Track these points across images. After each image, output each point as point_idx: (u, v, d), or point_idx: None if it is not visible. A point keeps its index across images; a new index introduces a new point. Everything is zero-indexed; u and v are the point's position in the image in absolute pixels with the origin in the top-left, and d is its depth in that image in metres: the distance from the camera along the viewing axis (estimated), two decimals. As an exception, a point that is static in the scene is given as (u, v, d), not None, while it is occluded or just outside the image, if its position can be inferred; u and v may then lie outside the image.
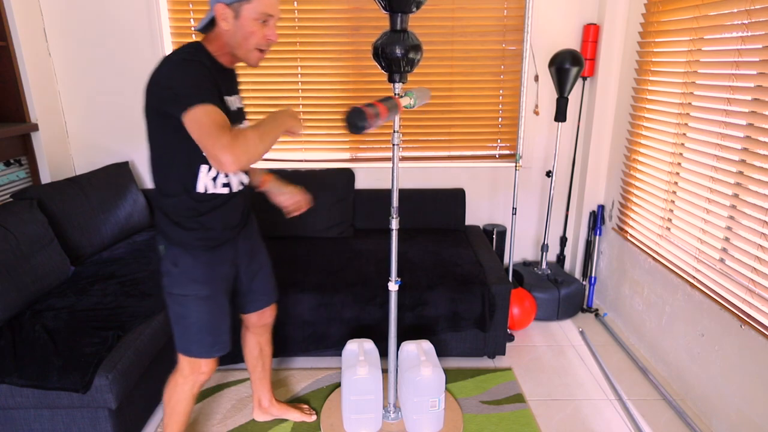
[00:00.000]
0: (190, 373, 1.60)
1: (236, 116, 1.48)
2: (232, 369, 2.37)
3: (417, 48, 1.57)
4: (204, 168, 1.43)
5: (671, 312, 2.30)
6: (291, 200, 1.72)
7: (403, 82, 1.65)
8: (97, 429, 1.79)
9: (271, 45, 1.41)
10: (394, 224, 1.79)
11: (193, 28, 1.42)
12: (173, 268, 1.50)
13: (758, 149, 1.80)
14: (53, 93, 2.81)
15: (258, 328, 1.86)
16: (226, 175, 1.48)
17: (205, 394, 2.20)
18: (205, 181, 1.44)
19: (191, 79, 1.26)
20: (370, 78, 2.90)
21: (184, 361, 1.59)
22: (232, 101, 1.46)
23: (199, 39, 1.43)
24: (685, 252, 2.22)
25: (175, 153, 1.38)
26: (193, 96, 1.23)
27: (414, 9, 1.52)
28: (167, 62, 1.31)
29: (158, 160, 1.42)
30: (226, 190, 1.50)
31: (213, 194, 1.47)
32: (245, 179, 1.59)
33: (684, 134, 2.22)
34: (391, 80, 1.65)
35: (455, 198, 2.96)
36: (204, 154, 1.29)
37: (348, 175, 2.90)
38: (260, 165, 2.98)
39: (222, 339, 1.59)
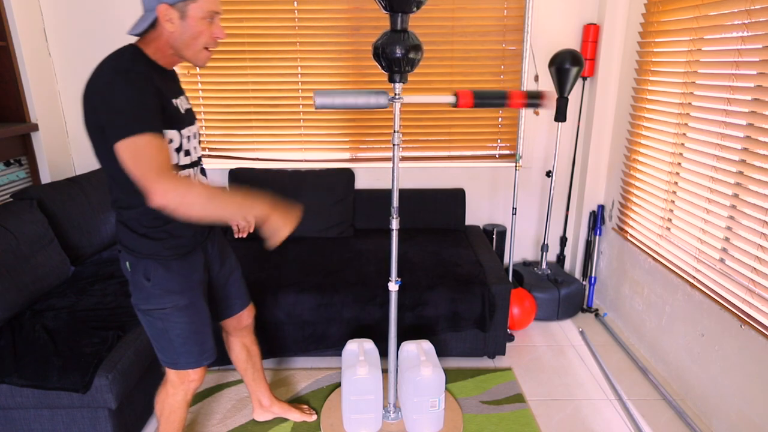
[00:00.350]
0: (180, 383, 1.56)
1: (187, 117, 1.42)
2: (232, 369, 2.37)
3: (417, 48, 1.58)
4: None
5: (671, 312, 2.30)
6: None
7: (403, 82, 1.65)
8: (97, 429, 1.79)
9: (216, 43, 1.36)
10: (395, 224, 1.79)
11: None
12: (146, 282, 1.42)
13: (758, 149, 1.80)
14: (53, 93, 2.81)
15: (239, 331, 1.83)
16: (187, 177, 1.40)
17: (205, 394, 2.20)
18: None
19: (133, 95, 1.19)
20: (371, 78, 2.90)
21: (172, 374, 1.55)
22: (179, 103, 1.40)
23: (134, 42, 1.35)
24: (685, 252, 2.22)
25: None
26: (133, 122, 1.17)
27: (414, 9, 1.53)
28: (104, 73, 1.22)
29: (112, 173, 1.32)
30: None
31: None
32: (204, 180, 1.55)
33: (684, 134, 2.22)
34: (392, 80, 1.65)
35: (455, 198, 2.96)
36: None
37: (348, 175, 2.90)
38: (260, 165, 2.99)
39: (208, 346, 1.56)
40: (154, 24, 1.30)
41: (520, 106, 1.74)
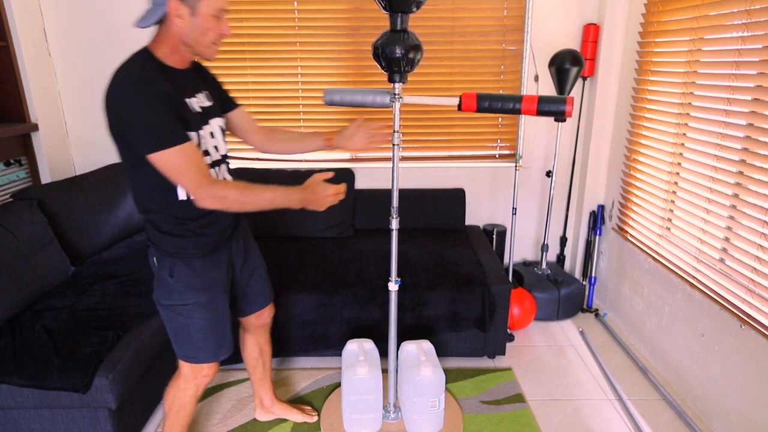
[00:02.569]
0: (193, 377, 1.58)
1: (200, 117, 1.42)
2: (232, 369, 2.37)
3: (417, 48, 1.58)
4: None
5: (671, 312, 2.30)
6: (356, 142, 1.70)
7: (403, 82, 1.65)
8: (97, 429, 1.79)
9: (222, 39, 1.39)
10: (394, 224, 1.79)
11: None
12: (169, 279, 1.46)
13: (758, 149, 1.80)
14: (53, 93, 2.81)
15: (257, 329, 1.86)
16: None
17: (205, 394, 2.20)
18: None
19: (153, 115, 1.24)
20: (370, 78, 2.90)
21: (186, 367, 1.57)
22: (194, 102, 1.40)
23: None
24: (685, 252, 2.22)
25: (148, 169, 1.31)
26: (160, 138, 1.24)
27: (414, 9, 1.53)
28: (121, 85, 1.26)
29: (134, 177, 1.38)
30: None
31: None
32: (228, 167, 1.57)
33: (684, 134, 2.22)
34: (391, 80, 1.65)
35: (455, 198, 2.96)
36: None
37: (348, 175, 2.90)
38: (260, 165, 2.99)
39: (226, 342, 1.59)
40: (163, 19, 1.30)
41: (534, 113, 1.68)
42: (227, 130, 1.61)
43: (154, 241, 1.46)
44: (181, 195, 1.40)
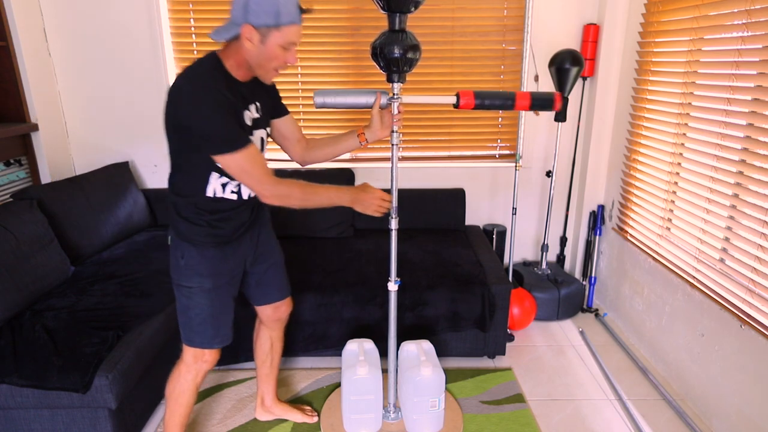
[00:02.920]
0: (194, 362, 1.62)
1: (253, 127, 1.50)
2: (233, 369, 2.37)
3: (415, 48, 1.58)
4: (215, 175, 1.47)
5: (671, 312, 2.30)
6: (386, 124, 1.72)
7: (401, 82, 1.65)
8: (97, 429, 1.79)
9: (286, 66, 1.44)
10: (394, 224, 1.79)
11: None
12: (180, 260, 1.54)
13: (758, 149, 1.79)
14: (53, 93, 2.81)
15: (272, 322, 1.89)
16: (237, 184, 1.52)
17: (205, 394, 2.20)
18: (215, 186, 1.49)
19: (220, 123, 1.32)
20: (370, 78, 2.90)
21: (188, 351, 1.62)
22: (247, 115, 1.47)
23: (217, 48, 1.44)
24: (685, 252, 2.22)
25: (190, 159, 1.44)
26: (225, 143, 1.33)
27: (412, 9, 1.53)
28: (189, 89, 1.33)
29: (173, 161, 1.48)
30: (234, 197, 1.54)
31: (221, 198, 1.51)
32: None
33: (684, 134, 2.22)
34: (390, 80, 1.65)
35: (455, 198, 2.96)
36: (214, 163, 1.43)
37: (348, 175, 2.90)
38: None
39: (222, 332, 1.62)
40: (237, 36, 1.37)
41: (527, 109, 1.72)
42: (270, 137, 1.67)
43: (173, 223, 1.54)
44: (209, 191, 1.48)
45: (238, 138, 1.35)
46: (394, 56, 1.56)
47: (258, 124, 1.53)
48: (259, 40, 1.34)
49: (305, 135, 1.78)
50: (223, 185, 1.50)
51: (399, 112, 1.68)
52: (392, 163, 1.74)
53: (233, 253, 1.60)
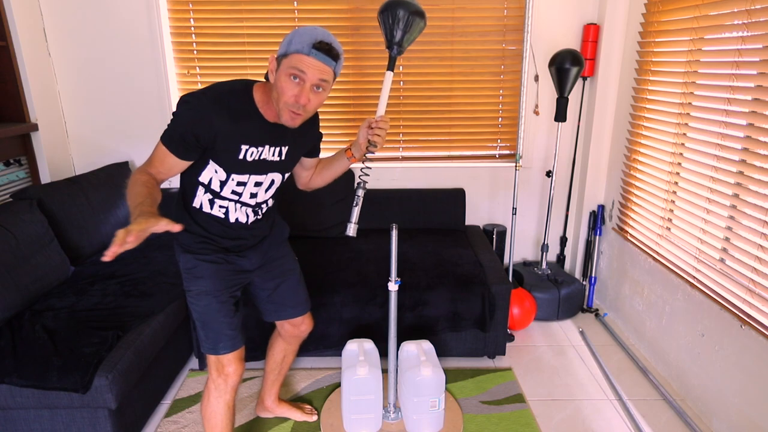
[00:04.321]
0: (217, 375, 1.57)
1: (253, 166, 1.45)
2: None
3: (420, 14, 1.53)
4: (201, 189, 1.47)
5: (671, 312, 2.30)
6: (372, 133, 1.55)
7: (400, 54, 1.60)
8: (97, 429, 1.79)
9: (301, 109, 1.32)
10: (394, 234, 1.79)
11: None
12: (179, 264, 1.56)
13: (758, 149, 1.79)
14: (53, 93, 2.81)
15: (291, 337, 1.87)
16: (222, 206, 1.50)
17: (205, 394, 2.20)
18: (201, 200, 1.49)
19: (176, 117, 1.33)
20: (370, 78, 2.90)
21: (210, 363, 1.58)
22: (255, 152, 1.43)
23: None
24: (685, 252, 2.22)
25: (191, 167, 1.44)
26: (166, 131, 1.34)
27: None
28: (200, 91, 1.35)
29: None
30: (221, 215, 1.51)
31: (209, 213, 1.51)
32: (261, 212, 1.60)
33: (684, 134, 2.22)
34: (389, 47, 1.60)
35: (455, 198, 2.96)
36: (198, 178, 1.44)
37: (348, 175, 2.90)
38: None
39: (224, 339, 1.55)
40: None
41: None
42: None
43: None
44: (195, 203, 1.49)
45: (170, 136, 1.34)
46: (399, 17, 1.51)
47: (272, 167, 1.49)
48: (275, 69, 1.32)
49: None
50: (210, 201, 1.48)
51: (375, 125, 1.54)
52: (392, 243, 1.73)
53: (232, 261, 1.57)
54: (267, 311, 1.79)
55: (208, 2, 2.76)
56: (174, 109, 1.36)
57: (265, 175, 1.50)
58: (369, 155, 1.59)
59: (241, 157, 1.41)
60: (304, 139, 1.56)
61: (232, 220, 1.53)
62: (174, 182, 3.03)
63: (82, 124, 2.91)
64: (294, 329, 1.83)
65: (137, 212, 1.20)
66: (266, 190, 1.55)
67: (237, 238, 1.57)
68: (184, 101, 1.33)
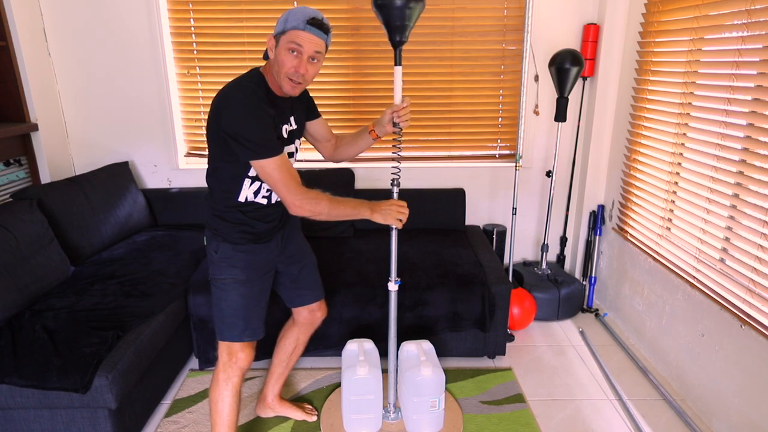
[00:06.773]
0: (228, 360, 1.64)
1: (289, 139, 1.60)
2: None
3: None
4: (247, 182, 1.56)
5: (671, 312, 2.30)
6: (397, 116, 1.71)
7: (403, 42, 1.62)
8: (97, 429, 1.79)
9: (301, 78, 1.46)
10: (394, 235, 1.79)
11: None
12: (214, 254, 1.61)
13: (758, 149, 1.79)
14: (53, 93, 2.81)
15: (306, 325, 1.94)
16: (268, 190, 1.60)
17: (206, 394, 2.20)
18: (247, 193, 1.58)
19: (258, 130, 1.41)
20: (370, 78, 2.90)
21: (222, 349, 1.65)
22: (284, 128, 1.58)
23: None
24: (685, 252, 2.22)
25: (226, 166, 1.54)
26: (262, 149, 1.42)
27: None
28: (235, 98, 1.42)
29: (212, 166, 1.58)
30: (264, 201, 1.62)
31: (252, 202, 1.59)
32: None
33: (684, 134, 2.22)
34: (391, 39, 1.62)
35: (455, 198, 2.96)
36: (248, 173, 1.54)
37: (348, 175, 2.90)
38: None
39: (253, 325, 1.65)
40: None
41: None
42: (304, 137, 1.78)
43: (208, 220, 1.63)
44: (241, 197, 1.57)
45: (273, 147, 1.43)
46: (397, 5, 1.51)
47: (293, 135, 1.64)
48: (275, 47, 1.46)
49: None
50: (255, 192, 1.58)
51: (406, 106, 1.69)
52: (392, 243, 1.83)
53: (265, 249, 1.66)
54: (290, 297, 1.87)
55: (208, 2, 2.76)
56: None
57: (292, 144, 1.63)
58: (397, 154, 1.78)
59: (280, 135, 1.55)
60: (300, 102, 1.68)
61: (273, 201, 1.63)
62: (174, 182, 3.04)
63: (82, 124, 2.91)
64: (311, 315, 1.91)
65: (366, 205, 1.61)
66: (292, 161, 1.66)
67: (271, 220, 1.65)
68: (245, 110, 1.40)
